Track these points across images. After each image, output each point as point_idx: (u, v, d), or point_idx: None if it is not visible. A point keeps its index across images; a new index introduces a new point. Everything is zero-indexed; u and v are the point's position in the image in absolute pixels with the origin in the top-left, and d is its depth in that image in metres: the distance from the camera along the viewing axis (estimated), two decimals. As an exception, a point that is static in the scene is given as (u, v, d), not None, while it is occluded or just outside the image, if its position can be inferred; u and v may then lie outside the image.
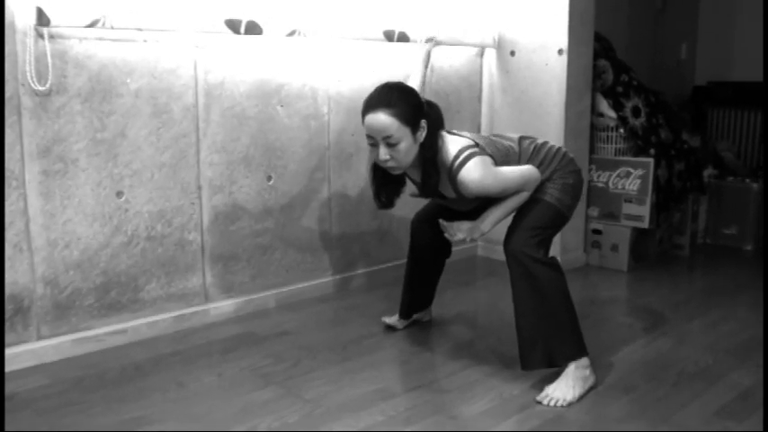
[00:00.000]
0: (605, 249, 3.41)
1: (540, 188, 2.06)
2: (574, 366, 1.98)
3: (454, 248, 2.45)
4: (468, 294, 2.98)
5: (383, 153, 1.92)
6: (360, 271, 3.09)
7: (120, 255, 2.36)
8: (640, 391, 2.03)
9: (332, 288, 2.98)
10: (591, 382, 2.02)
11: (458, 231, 2.07)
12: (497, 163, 2.01)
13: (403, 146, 1.91)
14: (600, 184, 3.44)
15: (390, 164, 1.95)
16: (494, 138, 2.13)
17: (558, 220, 2.08)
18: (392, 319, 2.54)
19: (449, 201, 2.13)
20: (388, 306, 2.71)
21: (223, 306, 2.64)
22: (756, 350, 2.32)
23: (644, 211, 3.31)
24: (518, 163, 2.06)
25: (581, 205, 3.37)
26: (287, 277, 2.84)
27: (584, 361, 2.01)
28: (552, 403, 1.93)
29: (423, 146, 1.98)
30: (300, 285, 2.88)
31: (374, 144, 1.94)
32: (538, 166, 2.06)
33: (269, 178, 2.72)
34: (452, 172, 1.97)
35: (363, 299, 2.90)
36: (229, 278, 2.66)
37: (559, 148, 2.14)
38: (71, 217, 2.23)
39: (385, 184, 2.12)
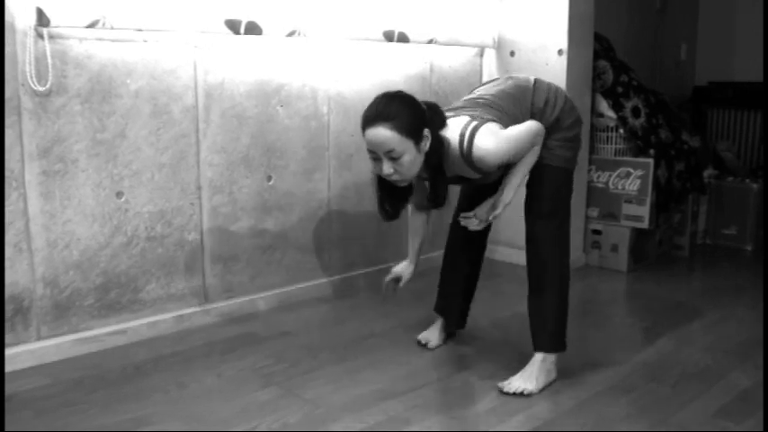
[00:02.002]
0: (605, 250, 3.41)
1: (546, 146, 1.99)
2: (541, 358, 2.02)
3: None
4: (467, 295, 2.97)
5: (387, 168, 1.81)
6: (360, 271, 3.09)
7: (120, 255, 2.36)
8: (640, 391, 2.03)
9: (332, 288, 2.98)
10: (553, 376, 2.06)
11: (480, 215, 2.00)
12: (505, 124, 1.93)
13: (406, 159, 1.80)
14: (600, 185, 3.44)
15: (395, 177, 1.84)
16: (488, 94, 2.03)
17: (569, 180, 2.07)
18: (427, 335, 2.38)
19: (476, 182, 2.04)
20: (390, 307, 2.71)
21: (223, 306, 2.64)
22: (756, 351, 2.32)
23: (644, 211, 3.31)
24: (527, 101, 2.00)
25: (581, 205, 3.37)
26: (287, 278, 2.84)
27: (553, 356, 2.05)
28: (512, 391, 1.97)
29: (428, 154, 1.87)
30: (300, 286, 2.88)
31: (376, 158, 1.84)
32: (543, 106, 1.99)
33: (269, 178, 2.72)
34: (465, 155, 1.87)
35: (363, 299, 2.90)
36: (229, 278, 2.66)
37: (558, 88, 2.07)
38: (71, 217, 2.23)
39: (390, 194, 1.99)
